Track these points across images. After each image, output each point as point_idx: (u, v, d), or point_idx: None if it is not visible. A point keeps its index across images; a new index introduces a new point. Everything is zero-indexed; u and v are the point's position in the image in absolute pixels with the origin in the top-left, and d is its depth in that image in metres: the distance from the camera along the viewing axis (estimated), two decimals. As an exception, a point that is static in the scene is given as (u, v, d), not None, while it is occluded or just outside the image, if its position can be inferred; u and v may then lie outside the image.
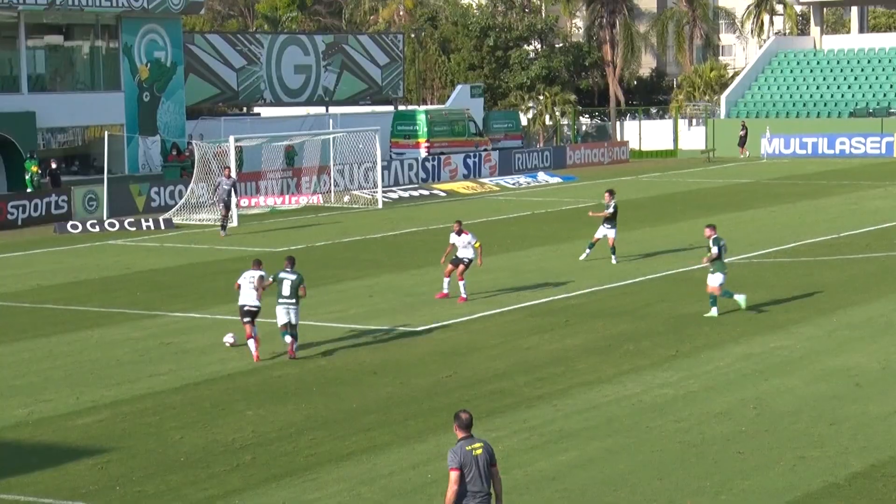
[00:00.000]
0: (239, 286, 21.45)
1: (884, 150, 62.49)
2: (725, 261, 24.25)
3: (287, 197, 46.39)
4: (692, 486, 14.49)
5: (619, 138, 72.42)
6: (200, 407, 18.30)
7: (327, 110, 59.03)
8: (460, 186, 51.69)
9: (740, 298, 24.12)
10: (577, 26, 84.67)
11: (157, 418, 17.74)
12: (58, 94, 47.94)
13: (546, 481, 14.78)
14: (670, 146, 70.11)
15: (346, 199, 47.02)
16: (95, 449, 16.27)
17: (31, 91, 46.80)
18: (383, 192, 46.82)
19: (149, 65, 49.80)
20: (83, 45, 49.59)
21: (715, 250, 23.95)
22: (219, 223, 38.42)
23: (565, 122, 74.72)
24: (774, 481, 14.61)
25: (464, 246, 25.78)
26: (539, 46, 78.65)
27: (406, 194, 49.04)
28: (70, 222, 40.50)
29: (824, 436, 16.25)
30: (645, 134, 71.38)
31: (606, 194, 31.03)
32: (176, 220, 41.18)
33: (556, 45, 78.91)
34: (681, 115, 71.82)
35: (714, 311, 23.90)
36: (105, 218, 41.41)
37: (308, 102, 59.78)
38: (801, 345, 21.49)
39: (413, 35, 75.17)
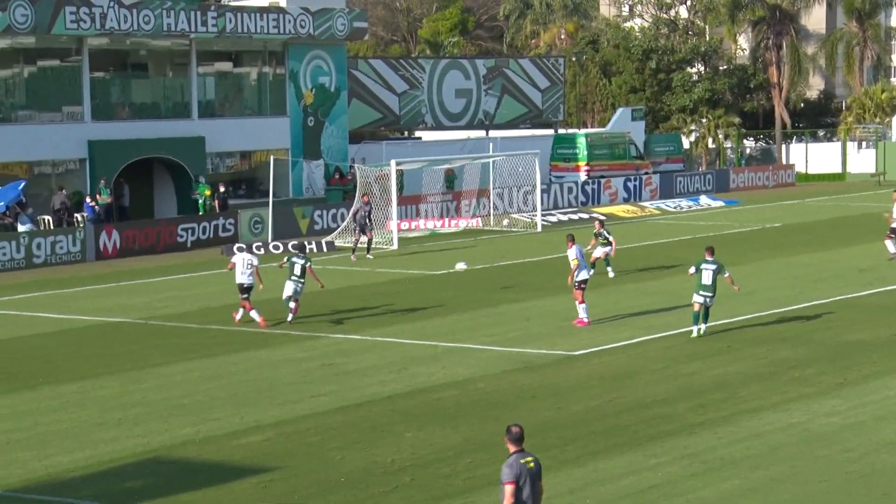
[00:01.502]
0: (234, 265, 27.17)
1: None
2: (707, 283, 24.06)
3: (447, 220, 46.68)
4: (860, 518, 14.08)
5: (784, 161, 70.99)
6: (360, 428, 18.53)
7: (487, 134, 59.30)
8: (620, 210, 51.34)
9: (701, 328, 24.22)
10: (741, 48, 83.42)
11: (318, 438, 18.01)
12: (226, 119, 49.25)
13: (707, 510, 14.53)
14: (838, 169, 68.41)
15: (505, 222, 47.14)
16: (259, 468, 16.61)
17: (201, 117, 48.20)
18: (542, 215, 46.80)
19: (314, 90, 50.81)
20: (251, 71, 50.89)
21: (704, 273, 24.11)
22: (380, 246, 38.83)
23: (729, 145, 73.55)
24: (947, 516, 14.09)
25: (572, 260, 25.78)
26: (702, 69, 77.74)
27: (565, 217, 48.88)
28: (236, 245, 41.45)
29: None
30: (812, 157, 69.82)
31: (597, 223, 33.09)
32: (338, 243, 41.83)
33: (720, 68, 77.88)
34: (850, 138, 70.06)
35: (694, 330, 24.23)
36: (270, 241, 42.33)
37: (468, 126, 60.10)
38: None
39: (574, 58, 75.04)
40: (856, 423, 18.03)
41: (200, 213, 44.37)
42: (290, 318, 26.85)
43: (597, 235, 32.48)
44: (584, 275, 25.72)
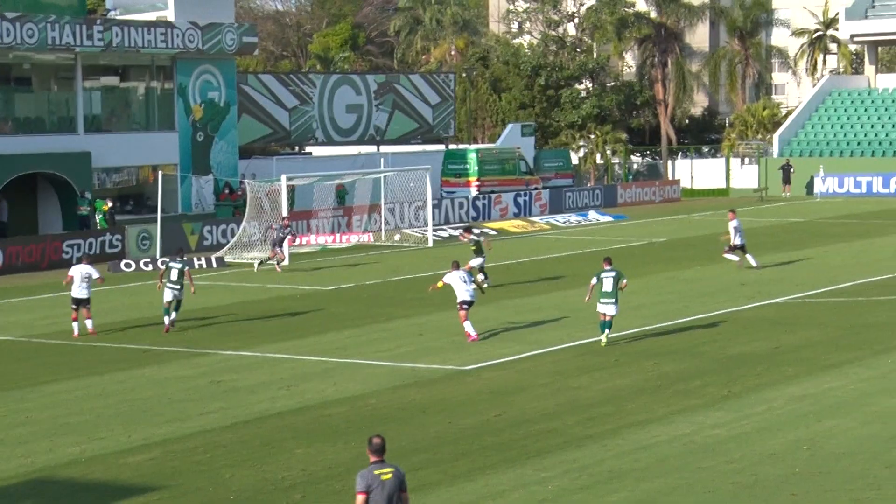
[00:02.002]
0: (71, 278, 27.09)
1: (940, 189, 61.78)
2: (609, 290, 24.85)
3: (338, 235, 46.58)
4: (744, 528, 14.34)
5: (670, 177, 72.20)
6: (250, 445, 18.38)
7: (378, 149, 59.34)
8: (511, 225, 51.72)
9: (604, 336, 25.06)
10: (628, 65, 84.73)
11: (207, 456, 17.83)
12: (113, 134, 48.56)
13: (595, 522, 14.68)
14: (722, 185, 69.77)
15: (396, 237, 47.18)
16: (147, 487, 16.37)
17: (87, 132, 47.44)
18: (434, 230, 46.94)
19: (203, 105, 50.37)
20: (139, 85, 50.26)
21: (605, 281, 24.94)
22: (273, 262, 38.62)
23: (616, 161, 74.60)
24: (828, 524, 14.42)
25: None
26: (590, 85, 78.78)
27: (456, 233, 49.03)
28: (124, 261, 40.92)
29: (880, 478, 16.04)
30: (697, 173, 71.12)
31: (463, 233, 35.76)
32: (228, 259, 41.51)
33: (608, 84, 78.98)
34: (733, 154, 71.51)
35: (602, 338, 25.06)
36: (158, 257, 41.79)
37: (360, 142, 60.12)
38: (855, 385, 21.25)
39: (464, 74, 75.54)
40: (740, 434, 18.37)
41: (101, 228, 43.80)
42: (169, 327, 27.59)
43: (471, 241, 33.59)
44: (466, 296, 25.78)
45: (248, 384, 22.47)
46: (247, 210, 43.72)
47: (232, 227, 44.92)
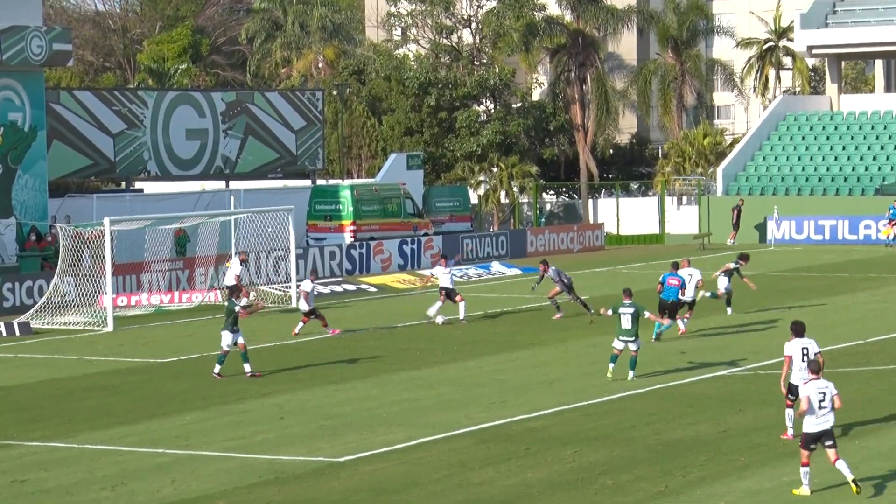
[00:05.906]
0: None
1: (917, 235, 63.28)
2: (627, 328, 29.12)
3: (176, 294, 46.24)
4: None
5: (591, 220, 73.09)
6: (64, 562, 18.11)
7: (228, 185, 59.16)
8: (395, 280, 51.82)
9: (630, 374, 29.49)
10: (539, 82, 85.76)
11: (8, 577, 17.52)
12: None
13: None
14: (655, 230, 70.79)
15: (252, 295, 46.95)
16: None
17: None
18: (298, 286, 46.82)
19: (2, 129, 49.81)
20: (-80, 104, 49.58)
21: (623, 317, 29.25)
22: (91, 327, 38.29)
23: (525, 200, 75.31)
24: None
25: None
26: (492, 107, 79.57)
27: (327, 289, 48.99)
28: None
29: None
30: (624, 215, 72.07)
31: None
32: (35, 325, 40.94)
33: (514, 106, 79.80)
34: (668, 192, 72.63)
35: (609, 368, 29.56)
36: (-55, 321, 41.14)
37: (204, 176, 59.90)
38: (821, 478, 21.59)
39: (335, 92, 75.82)
40: (681, 539, 18.57)
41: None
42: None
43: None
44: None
45: (62, 484, 22.15)
46: (59, 262, 43.20)
47: (40, 284, 44.37)
